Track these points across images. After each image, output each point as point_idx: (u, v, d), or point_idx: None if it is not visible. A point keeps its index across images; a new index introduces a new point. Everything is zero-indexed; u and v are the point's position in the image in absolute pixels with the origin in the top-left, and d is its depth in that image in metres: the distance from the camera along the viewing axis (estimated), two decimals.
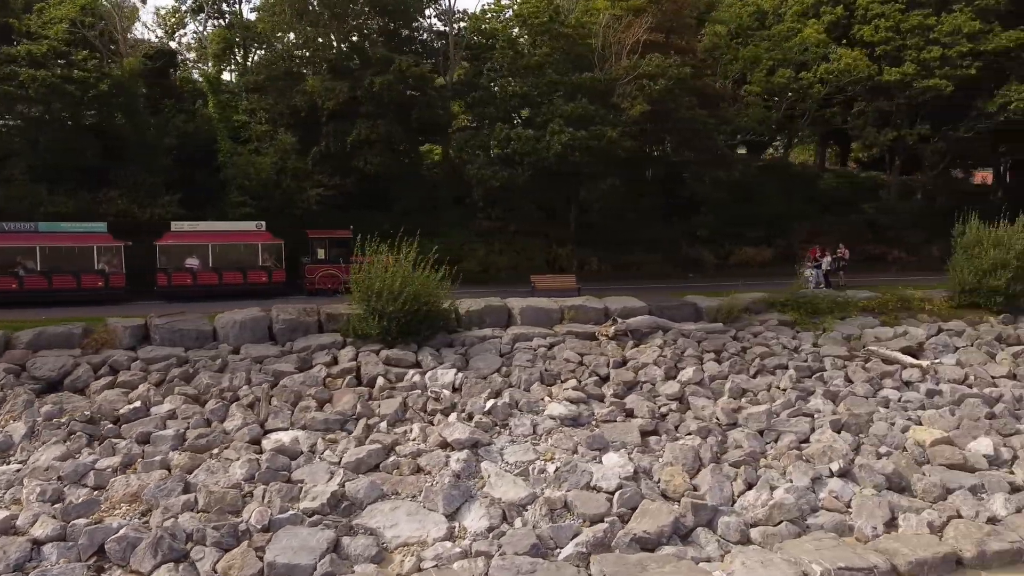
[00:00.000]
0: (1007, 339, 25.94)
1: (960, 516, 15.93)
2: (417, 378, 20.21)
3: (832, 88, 33.18)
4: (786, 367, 22.51)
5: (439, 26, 32.19)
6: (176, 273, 26.47)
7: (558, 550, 14.21)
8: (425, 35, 33.04)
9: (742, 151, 42.33)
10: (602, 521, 14.85)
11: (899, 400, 21.43)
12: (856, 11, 35.65)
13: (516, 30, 29.09)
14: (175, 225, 26.96)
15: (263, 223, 27.60)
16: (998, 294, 27.44)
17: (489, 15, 30.72)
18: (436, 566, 13.56)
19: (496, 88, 27.43)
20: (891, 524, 15.51)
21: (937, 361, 23.26)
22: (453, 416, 18.14)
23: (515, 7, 29.46)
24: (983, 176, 55.23)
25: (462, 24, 32.15)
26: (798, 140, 36.48)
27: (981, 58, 33.42)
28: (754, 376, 22.10)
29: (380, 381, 19.69)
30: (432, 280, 21.81)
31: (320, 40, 28.05)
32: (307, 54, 28.20)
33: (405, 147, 28.67)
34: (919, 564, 13.97)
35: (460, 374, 20.29)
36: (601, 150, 26.09)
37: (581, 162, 26.19)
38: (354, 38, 29.49)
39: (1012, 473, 18.02)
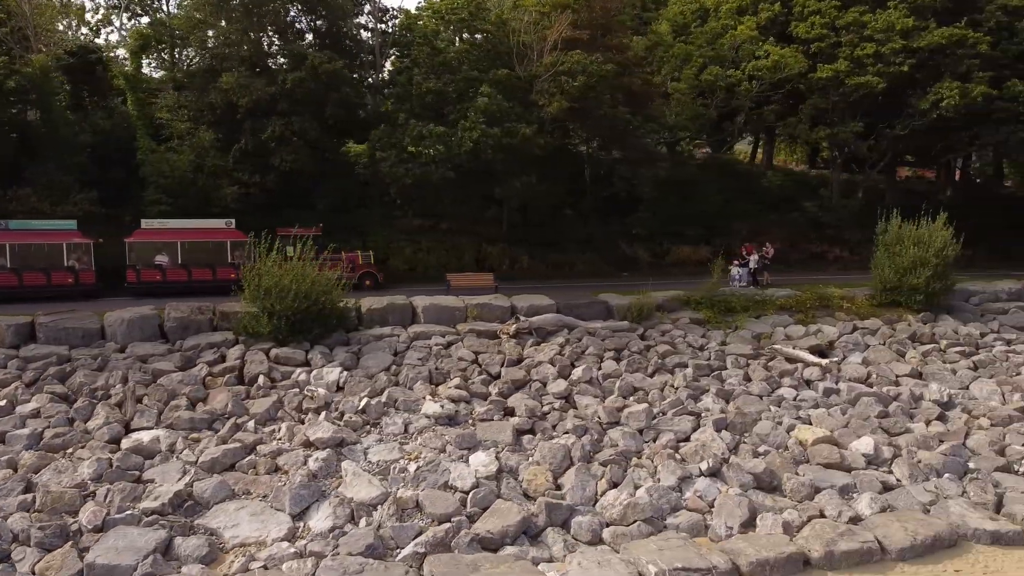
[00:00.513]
0: (921, 338, 25.77)
1: (823, 516, 15.79)
2: (303, 377, 20.00)
3: (766, 86, 32.98)
4: (686, 365, 22.31)
5: (371, 23, 32.03)
6: (145, 270, 26.60)
7: (398, 550, 14.03)
8: (359, 32, 32.82)
9: (683, 150, 42.16)
10: (449, 521, 14.66)
11: (794, 399, 21.25)
12: (794, 8, 35.48)
13: (438, 26, 28.83)
14: (145, 222, 27.08)
15: (232, 221, 27.70)
16: (918, 292, 27.24)
17: (427, 12, 30.43)
18: (264, 567, 13.36)
19: (412, 85, 27.16)
20: (749, 524, 15.33)
21: (836, 360, 23.06)
22: (323, 415, 17.93)
23: (436, 3, 29.27)
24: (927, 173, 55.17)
25: (395, 21, 32.04)
26: (734, 139, 36.25)
27: (916, 55, 33.23)
28: (651, 375, 21.89)
29: (261, 379, 19.48)
30: (327, 279, 21.61)
31: (232, 36, 27.77)
32: (225, 51, 27.95)
33: (324, 145, 28.44)
34: (761, 564, 13.78)
35: (345, 373, 20.08)
36: (516, 147, 25.88)
37: (495, 159, 25.98)
38: (273, 35, 29.32)
39: (890, 472, 17.87)
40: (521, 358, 22.00)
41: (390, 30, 31.80)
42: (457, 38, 27.76)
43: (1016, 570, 14.56)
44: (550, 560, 14.09)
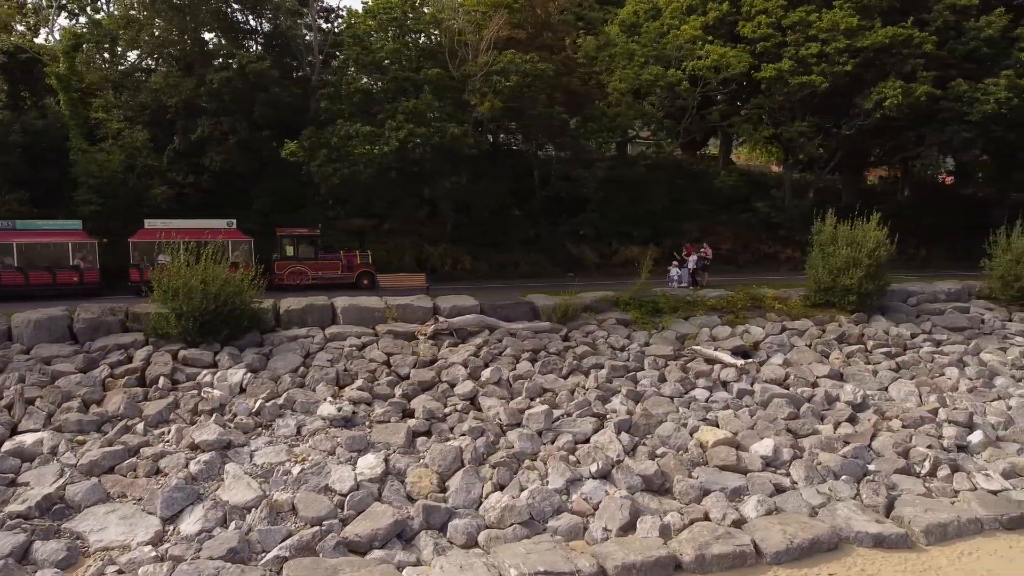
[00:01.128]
0: (848, 339, 25.64)
1: (707, 519, 15.68)
2: (207, 378, 19.84)
3: (712, 86, 32.83)
4: (602, 367, 22.17)
5: (313, 23, 31.80)
6: (148, 269, 26.58)
7: (263, 554, 13.89)
8: (305, 32, 32.62)
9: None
10: (320, 524, 14.55)
11: (706, 400, 21.11)
12: (742, 7, 35.33)
13: (371, 26, 28.64)
14: (148, 222, 27.45)
15: (233, 220, 28.14)
16: (851, 293, 27.10)
17: (362, 14, 30.24)
18: (120, 571, 13.22)
19: (342, 85, 27.00)
20: (630, 527, 15.20)
21: (751, 361, 22.91)
22: (214, 417, 17.79)
23: (370, 3, 29.09)
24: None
25: (338, 20, 31.79)
26: (676, 139, 36.06)
27: (860, 55, 33.10)
28: (565, 377, 21.74)
29: (161, 381, 19.32)
30: (239, 280, 21.47)
31: (164, 36, 27.58)
32: (159, 50, 27.77)
33: (256, 145, 28.26)
34: (627, 568, 13.66)
35: (250, 374, 19.92)
36: (446, 147, 25.72)
37: (424, 159, 25.83)
38: (210, 34, 29.19)
39: (787, 475, 17.74)
40: (434, 359, 21.85)
41: (337, 30, 31.62)
42: (390, 38, 27.57)
43: (893, 573, 14.45)
44: (416, 564, 13.96)
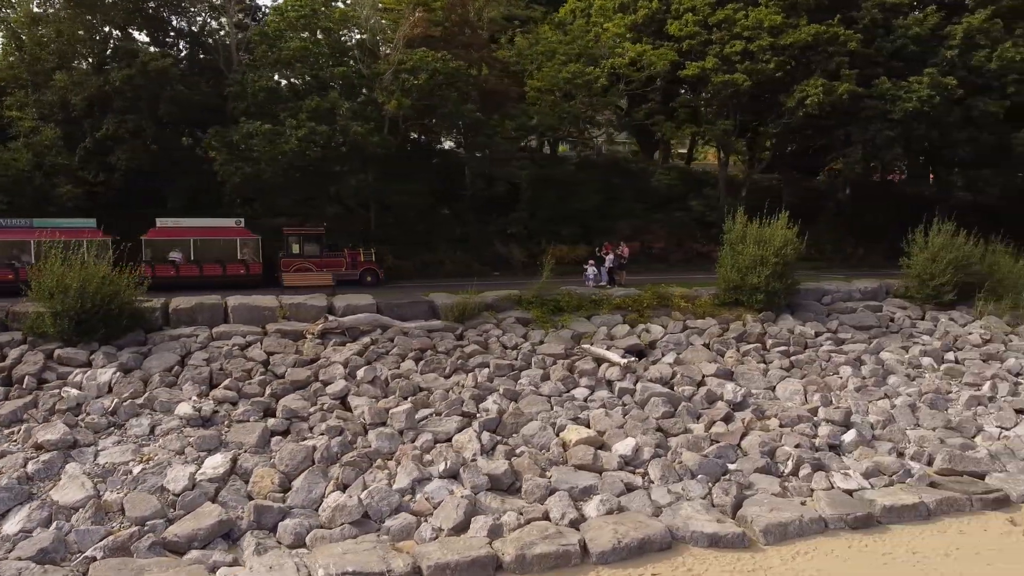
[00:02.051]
0: (747, 337, 25.55)
1: (547, 518, 15.59)
2: (79, 378, 19.74)
3: (637, 85, 32.68)
4: (487, 365, 22.08)
5: (229, 21, 31.61)
6: (160, 265, 27.57)
7: (79, 554, 13.80)
8: (224, 31, 32.37)
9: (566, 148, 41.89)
10: (144, 524, 14.46)
11: (584, 399, 21.04)
12: (672, 6, 35.21)
13: (280, 24, 28.48)
14: (160, 221, 28.13)
15: (242, 220, 28.93)
16: (759, 292, 26.99)
17: (273, 14, 30.04)
18: None
19: (248, 82, 26.88)
20: (464, 527, 15.11)
21: (633, 360, 22.80)
22: (65, 416, 17.68)
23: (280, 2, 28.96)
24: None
25: (262, 19, 31.57)
26: (605, 138, 36.00)
27: (785, 53, 32.99)
28: (448, 375, 21.65)
29: (27, 380, 19.20)
30: (120, 279, 21.35)
31: (63, 32, 27.40)
32: (67, 48, 27.63)
33: (165, 143, 28.13)
34: (441, 567, 13.56)
35: (119, 374, 19.81)
36: (349, 145, 25.60)
37: (327, 157, 25.70)
38: (113, 31, 28.99)
39: (645, 474, 17.66)
40: (316, 359, 21.74)
41: (246, 28, 31.51)
42: (299, 37, 27.44)
43: (720, 572, 14.35)
44: (232, 564, 13.85)
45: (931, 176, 41.45)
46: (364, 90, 28.18)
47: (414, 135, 30.78)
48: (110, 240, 26.84)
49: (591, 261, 30.42)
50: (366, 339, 22.99)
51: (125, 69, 26.20)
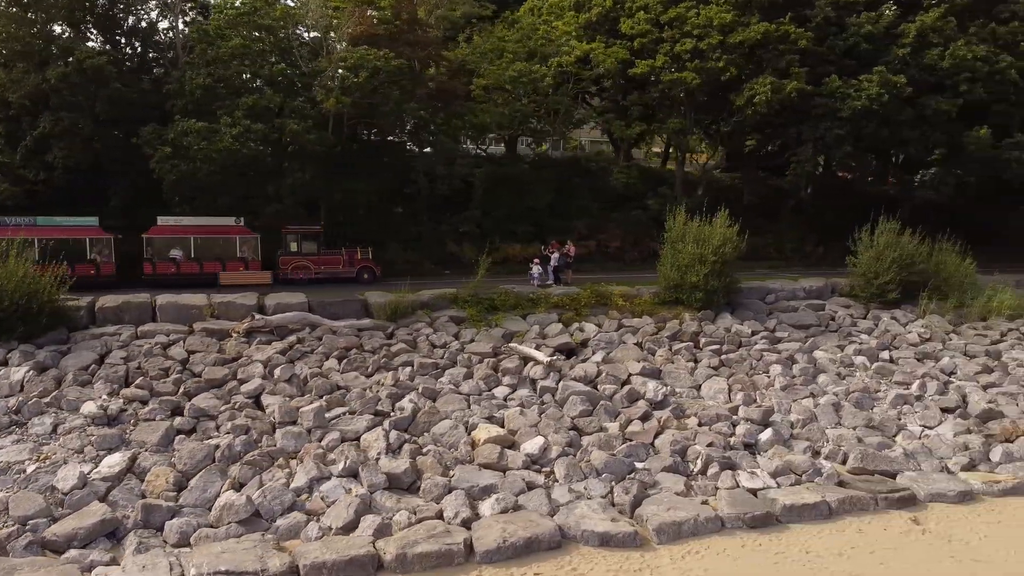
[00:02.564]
0: (681, 336, 25.46)
1: (441, 517, 15.50)
2: None
3: (585, 83, 32.59)
4: (411, 364, 22.00)
5: (171, 19, 31.56)
6: (160, 263, 28.48)
7: None
8: (167, 28, 32.29)
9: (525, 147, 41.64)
10: (26, 524, 14.37)
11: (504, 398, 20.97)
12: (625, 4, 35.11)
13: (219, 22, 28.38)
14: (161, 219, 28.80)
15: (242, 218, 29.62)
16: (698, 290, 26.93)
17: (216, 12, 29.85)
18: None
19: (186, 80, 26.76)
20: (354, 526, 15.01)
21: (557, 358, 22.72)
22: None
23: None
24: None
25: (200, 17, 31.44)
26: (552, 136, 35.93)
27: (736, 51, 32.90)
28: (370, 375, 21.57)
29: None
30: (39, 278, 21.28)
31: (8, 30, 27.28)
32: (4, 45, 27.51)
33: (105, 141, 28.01)
34: (318, 566, 13.42)
35: (32, 372, 19.73)
36: (285, 143, 25.53)
37: (261, 156, 25.62)
38: (56, 28, 28.89)
39: (551, 472, 17.57)
40: (238, 357, 21.66)
41: (188, 26, 31.40)
42: (238, 35, 27.33)
43: (605, 572, 14.25)
44: (110, 563, 13.77)
45: (889, 175, 41.33)
46: (304, 88, 28.08)
47: (366, 134, 30.60)
48: (112, 238, 27.85)
49: (536, 260, 30.34)
50: (292, 338, 22.91)
51: (61, 67, 26.11)
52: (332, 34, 29.47)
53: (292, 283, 29.31)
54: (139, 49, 31.90)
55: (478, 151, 36.62)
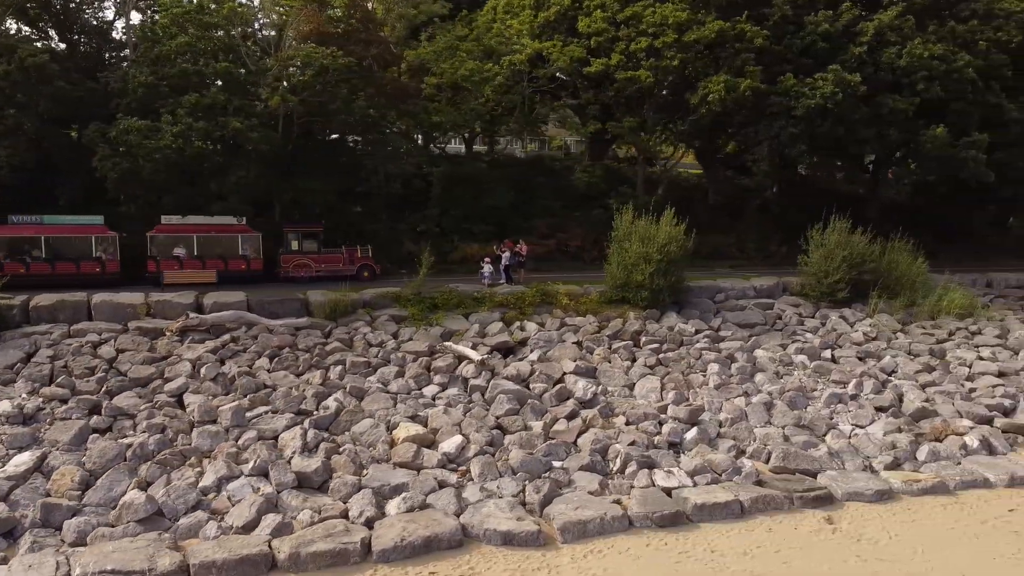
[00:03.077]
0: (622, 335, 25.39)
1: (346, 516, 15.42)
2: None
3: (541, 82, 32.50)
4: (342, 363, 21.94)
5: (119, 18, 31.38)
6: (164, 261, 28.70)
7: None
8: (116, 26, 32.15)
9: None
10: None
11: (433, 396, 20.90)
12: (583, 3, 35.03)
13: (166, 20, 28.29)
14: (164, 218, 29.15)
15: (244, 217, 30.13)
16: (643, 289, 26.86)
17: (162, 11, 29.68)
18: None
19: (129, 79, 26.68)
20: (255, 525, 14.92)
21: (489, 357, 22.66)
22: None
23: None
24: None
25: (153, 16, 31.23)
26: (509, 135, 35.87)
27: (691, 50, 32.82)
28: (300, 374, 21.49)
29: None
30: None
31: None
32: None
33: (51, 139, 27.91)
34: (207, 565, 13.36)
35: None
36: (228, 142, 25.48)
37: (203, 154, 25.54)
38: (11, 25, 28.81)
39: (468, 471, 17.49)
40: (168, 356, 21.59)
41: (141, 23, 31.27)
42: (183, 33, 27.25)
43: (503, 571, 14.18)
44: (1, 562, 13.70)
45: (839, 173, 41.26)
46: (251, 86, 28.02)
47: (319, 133, 30.52)
48: (117, 237, 28.09)
49: (487, 259, 30.26)
50: (227, 336, 22.84)
51: (3, 65, 26.03)
52: (283, 32, 29.35)
53: (294, 281, 29.86)
54: (92, 48, 31.78)
55: (436, 150, 36.52)
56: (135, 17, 32.85)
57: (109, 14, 32.32)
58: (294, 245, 30.83)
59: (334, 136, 29.77)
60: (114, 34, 32.75)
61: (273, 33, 30.76)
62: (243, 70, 28.05)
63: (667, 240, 26.82)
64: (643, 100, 33.95)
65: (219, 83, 26.46)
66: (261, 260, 30.19)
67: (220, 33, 28.42)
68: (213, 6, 27.84)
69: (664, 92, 33.75)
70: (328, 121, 28.18)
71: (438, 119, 31.42)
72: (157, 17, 28.77)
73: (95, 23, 31.14)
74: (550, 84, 34.12)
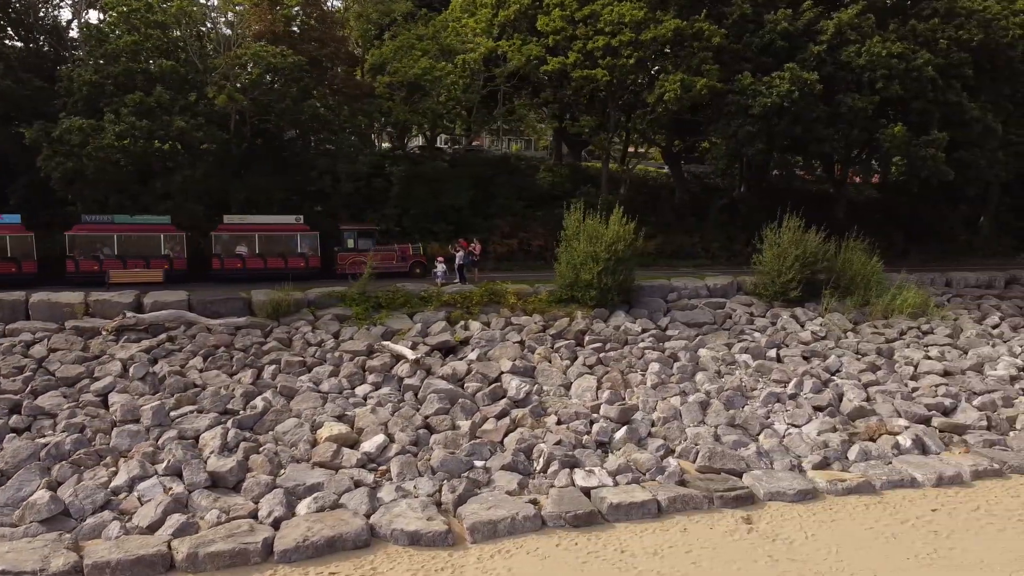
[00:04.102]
0: (566, 334, 25.28)
1: (255, 516, 15.31)
2: None
3: (498, 81, 32.35)
4: (277, 362, 21.82)
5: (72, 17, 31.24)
6: (228, 259, 29.76)
7: None
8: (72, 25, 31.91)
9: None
10: None
11: (365, 396, 20.78)
12: (543, 2, 34.91)
13: (116, 19, 28.11)
14: (227, 218, 30.31)
15: (301, 217, 31.24)
16: (592, 288, 26.75)
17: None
18: None
19: (74, 77, 26.49)
20: (160, 525, 14.79)
21: (424, 356, 22.55)
22: None
23: None
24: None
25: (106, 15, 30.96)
26: (471, 133, 35.70)
27: (648, 48, 32.71)
28: (234, 373, 21.37)
29: None
30: None
31: None
32: None
33: None
34: (101, 566, 13.25)
35: None
36: (173, 141, 25.34)
37: (145, 153, 25.40)
38: None
39: (388, 471, 17.38)
40: (100, 355, 21.45)
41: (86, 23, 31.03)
42: (130, 32, 27.08)
43: (405, 571, 14.06)
44: None
45: (800, 171, 41.14)
46: (199, 85, 27.86)
47: (273, 132, 30.36)
48: (184, 235, 29.20)
49: (440, 258, 30.12)
50: (163, 336, 22.71)
51: None
52: (236, 31, 29.21)
53: (348, 278, 30.07)
54: (50, 48, 31.62)
55: (395, 149, 36.38)
56: (94, 17, 32.68)
57: (68, 13, 32.06)
58: (350, 243, 31.84)
59: (291, 134, 29.57)
60: (72, 34, 32.59)
61: (229, 32, 30.58)
62: (190, 69, 27.84)
63: (615, 239, 26.68)
64: (605, 99, 33.80)
65: (164, 82, 26.23)
66: (319, 258, 31.03)
67: (176, 32, 28.24)
68: (164, 5, 27.70)
69: (626, 91, 33.53)
70: (280, 120, 28.01)
71: (394, 118, 31.25)
72: (105, 16, 28.62)
73: (51, 24, 30.95)
74: (507, 83, 33.99)
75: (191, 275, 28.97)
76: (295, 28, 29.94)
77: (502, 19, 34.99)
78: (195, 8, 28.22)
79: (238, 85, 26.69)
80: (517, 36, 34.49)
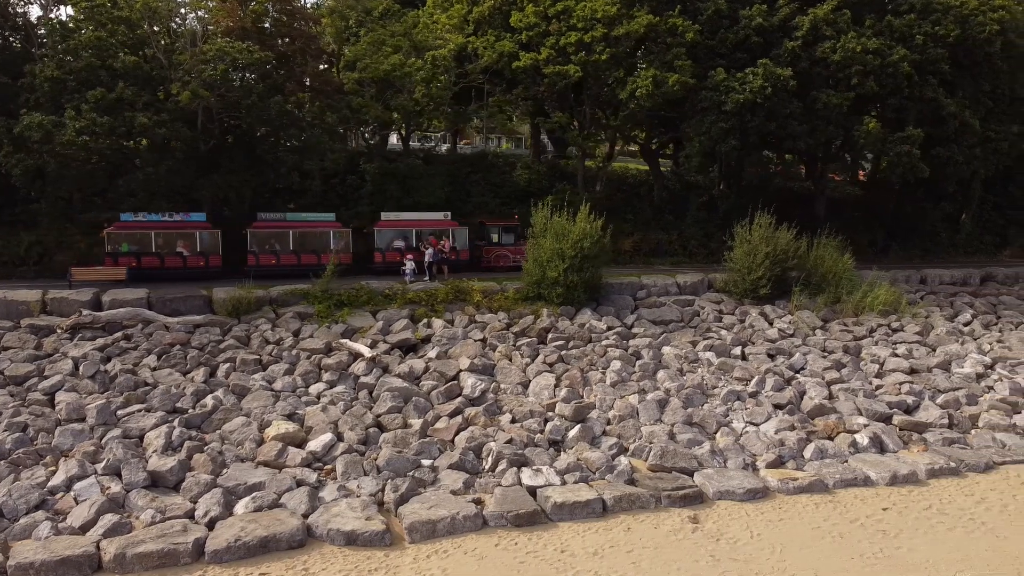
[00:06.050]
0: (529, 332, 25.09)
1: (191, 517, 15.12)
2: None
3: (471, 77, 32.12)
4: (232, 361, 21.63)
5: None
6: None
7: None
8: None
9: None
10: None
11: (319, 394, 20.58)
12: None
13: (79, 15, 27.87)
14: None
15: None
16: (558, 285, 26.55)
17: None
18: None
19: (36, 73, 26.26)
20: (92, 525, 14.60)
21: (381, 354, 22.36)
22: None
23: None
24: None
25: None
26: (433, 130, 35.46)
27: (621, 44, 32.46)
28: (187, 371, 21.18)
29: None
30: None
31: None
32: None
33: None
34: (25, 566, 13.13)
35: None
36: (136, 137, 25.16)
37: (108, 149, 25.19)
38: None
39: (333, 469, 17.19)
40: (53, 354, 21.27)
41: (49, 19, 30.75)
42: (94, 28, 26.83)
43: (337, 572, 13.88)
44: None
45: (776, 167, 40.91)
46: (163, 81, 27.65)
47: (240, 129, 30.10)
48: (350, 231, 31.01)
49: (409, 256, 29.92)
50: (119, 334, 22.52)
51: None
52: (204, 27, 29.00)
53: (493, 270, 32.18)
54: (20, 45, 31.37)
55: (367, 145, 36.18)
56: (64, 14, 32.43)
57: (37, 10, 31.83)
58: (495, 238, 33.14)
59: (262, 131, 29.35)
60: (41, 31, 32.32)
61: (198, 27, 30.35)
62: (155, 65, 27.62)
63: (581, 236, 26.47)
64: (579, 95, 33.55)
65: (128, 78, 26.00)
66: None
67: (141, 28, 27.97)
68: (129, 0, 27.46)
69: (601, 87, 33.27)
70: (249, 117, 27.80)
71: (366, 115, 31.02)
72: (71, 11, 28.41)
73: (21, 20, 30.69)
74: (481, 79, 33.75)
75: (352, 268, 30.01)
76: (266, 24, 29.68)
77: (476, 15, 34.75)
78: (161, 4, 27.96)
79: (203, 81, 26.38)
80: (491, 32, 34.24)
